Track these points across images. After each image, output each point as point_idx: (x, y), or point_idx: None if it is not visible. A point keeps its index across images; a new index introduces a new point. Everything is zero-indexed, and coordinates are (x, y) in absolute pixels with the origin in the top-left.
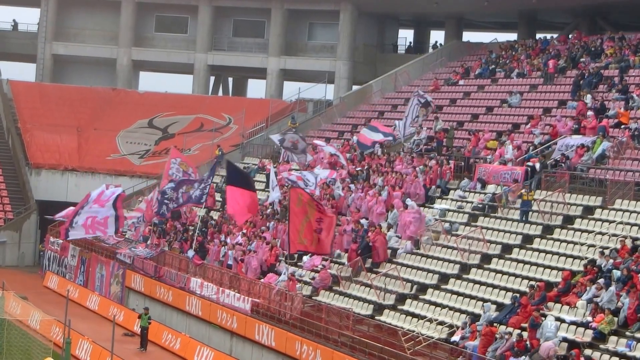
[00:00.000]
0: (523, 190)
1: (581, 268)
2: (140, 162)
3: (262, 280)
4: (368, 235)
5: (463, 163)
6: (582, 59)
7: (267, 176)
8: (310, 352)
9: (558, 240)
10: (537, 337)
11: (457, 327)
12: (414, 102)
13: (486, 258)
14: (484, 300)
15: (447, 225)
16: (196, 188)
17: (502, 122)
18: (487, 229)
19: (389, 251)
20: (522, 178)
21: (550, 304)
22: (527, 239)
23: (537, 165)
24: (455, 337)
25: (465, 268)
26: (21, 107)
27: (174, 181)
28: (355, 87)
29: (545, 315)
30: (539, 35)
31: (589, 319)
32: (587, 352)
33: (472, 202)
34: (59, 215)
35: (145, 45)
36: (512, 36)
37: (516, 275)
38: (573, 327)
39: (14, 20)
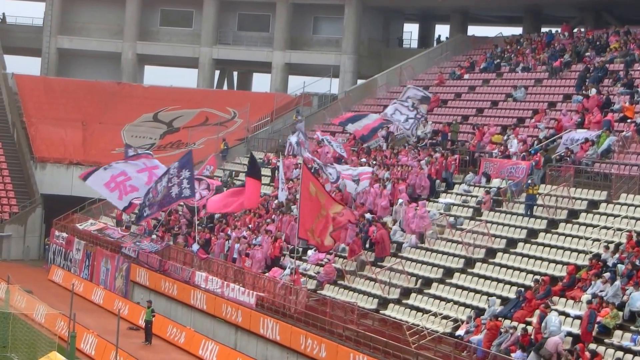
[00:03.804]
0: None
1: (586, 262)
2: None
3: (266, 274)
4: (371, 229)
5: (468, 157)
6: (587, 53)
7: (272, 170)
8: (315, 346)
9: (563, 234)
10: (541, 331)
11: (462, 322)
12: (408, 103)
13: (491, 252)
14: (489, 295)
15: (451, 219)
16: (172, 183)
17: (507, 116)
18: (492, 223)
19: (394, 245)
20: (526, 173)
21: (555, 298)
22: (532, 233)
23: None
24: (460, 332)
25: (470, 262)
26: (26, 101)
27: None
28: (360, 81)
29: (548, 308)
30: (544, 30)
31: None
32: (592, 346)
33: (476, 197)
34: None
35: (150, 39)
36: (518, 30)
37: (521, 270)
38: (578, 322)
39: (2, 14)
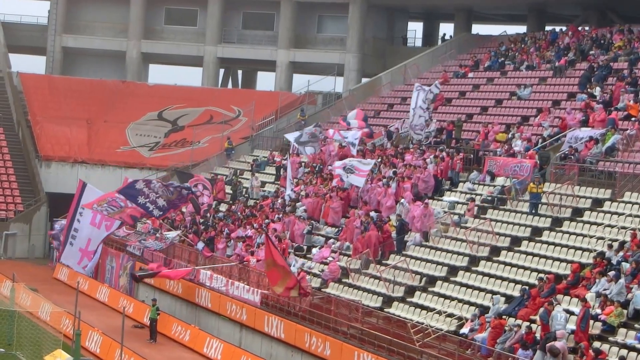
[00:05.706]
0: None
1: (590, 260)
2: (150, 155)
3: None
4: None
5: (472, 155)
6: (591, 52)
7: (277, 169)
8: (319, 344)
9: (567, 232)
10: (549, 326)
11: (466, 320)
12: (420, 96)
13: (495, 250)
14: (493, 293)
15: (456, 217)
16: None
17: (511, 114)
18: (496, 221)
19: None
20: (531, 171)
21: (559, 296)
22: (536, 232)
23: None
24: (464, 330)
25: (474, 260)
26: (31, 100)
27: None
28: (364, 80)
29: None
30: (548, 28)
31: (598, 311)
32: (596, 344)
33: (481, 195)
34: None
35: (155, 37)
36: (522, 29)
37: (525, 268)
38: None
39: None
